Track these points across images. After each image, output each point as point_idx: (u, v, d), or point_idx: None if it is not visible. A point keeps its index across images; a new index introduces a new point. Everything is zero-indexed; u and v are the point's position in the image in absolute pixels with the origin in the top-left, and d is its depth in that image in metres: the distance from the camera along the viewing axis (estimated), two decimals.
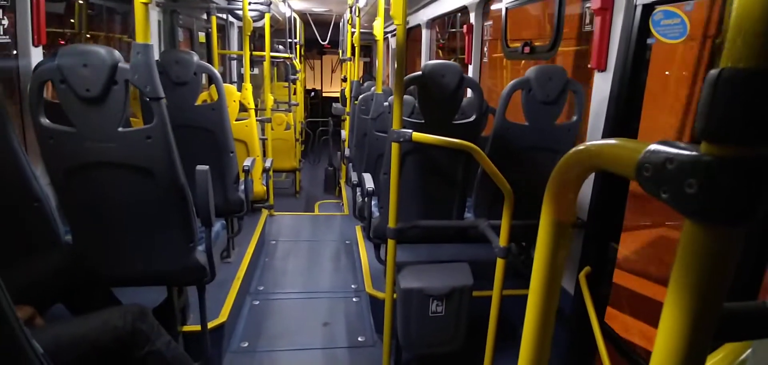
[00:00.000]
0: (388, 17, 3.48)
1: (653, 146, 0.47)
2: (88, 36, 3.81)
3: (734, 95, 0.40)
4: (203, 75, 3.02)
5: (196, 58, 2.89)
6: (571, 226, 2.27)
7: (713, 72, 0.41)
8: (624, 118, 2.13)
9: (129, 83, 1.77)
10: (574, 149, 0.64)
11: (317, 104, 11.50)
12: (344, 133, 5.80)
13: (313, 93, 11.73)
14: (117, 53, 1.78)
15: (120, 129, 1.80)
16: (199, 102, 3.05)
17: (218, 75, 3.00)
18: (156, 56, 3.08)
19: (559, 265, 0.72)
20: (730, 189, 0.41)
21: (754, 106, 0.40)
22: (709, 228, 0.43)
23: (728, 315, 0.47)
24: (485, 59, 4.26)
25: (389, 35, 7.40)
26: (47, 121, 1.79)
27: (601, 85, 2.24)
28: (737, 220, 0.42)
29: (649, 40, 2.00)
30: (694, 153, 0.43)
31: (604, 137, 2.23)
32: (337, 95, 8.98)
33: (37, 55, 2.28)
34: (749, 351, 0.73)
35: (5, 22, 2.18)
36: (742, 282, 1.52)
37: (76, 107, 1.75)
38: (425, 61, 5.40)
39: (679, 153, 0.44)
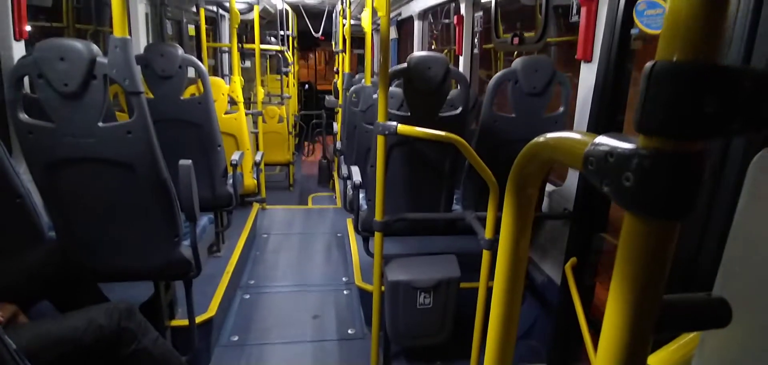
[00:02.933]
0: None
1: (599, 139, 0.47)
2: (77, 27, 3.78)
3: (667, 87, 0.40)
4: (190, 68, 3.00)
5: (181, 51, 2.87)
6: (557, 217, 2.28)
7: (648, 65, 0.41)
8: (609, 108, 2.13)
9: (107, 78, 1.76)
10: (532, 142, 0.64)
11: (311, 97, 11.47)
12: (337, 126, 5.79)
13: (306, 86, 11.69)
14: (95, 47, 1.76)
15: (100, 124, 1.79)
16: (187, 95, 3.03)
17: (204, 68, 2.98)
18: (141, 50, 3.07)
19: (522, 256, 0.72)
20: (664, 183, 0.41)
21: (686, 99, 0.39)
22: (646, 221, 0.43)
23: (670, 307, 0.47)
24: (476, 50, 4.24)
25: (378, 27, 7.36)
26: (26, 116, 1.78)
27: (588, 76, 2.24)
28: (672, 213, 0.42)
29: (632, 31, 1.99)
30: (632, 146, 0.43)
31: (589, 127, 2.23)
32: (331, 87, 8.95)
33: (19, 49, 2.26)
34: (697, 340, 0.74)
35: None
36: (699, 275, 1.53)
37: (54, 102, 1.74)
38: (413, 53, 5.37)
39: (619, 146, 0.44)
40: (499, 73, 2.43)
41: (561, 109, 2.46)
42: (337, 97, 6.43)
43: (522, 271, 0.74)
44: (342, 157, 4.37)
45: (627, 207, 0.43)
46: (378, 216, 2.16)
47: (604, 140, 0.46)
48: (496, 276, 0.74)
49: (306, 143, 8.76)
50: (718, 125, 0.40)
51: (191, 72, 3.07)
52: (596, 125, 2.14)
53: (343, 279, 3.60)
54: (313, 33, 7.51)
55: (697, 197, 0.42)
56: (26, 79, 1.92)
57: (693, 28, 0.40)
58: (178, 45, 2.93)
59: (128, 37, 1.71)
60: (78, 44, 1.72)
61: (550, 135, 0.59)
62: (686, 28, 0.40)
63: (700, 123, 0.40)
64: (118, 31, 1.69)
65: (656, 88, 0.41)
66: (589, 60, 2.23)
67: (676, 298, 0.48)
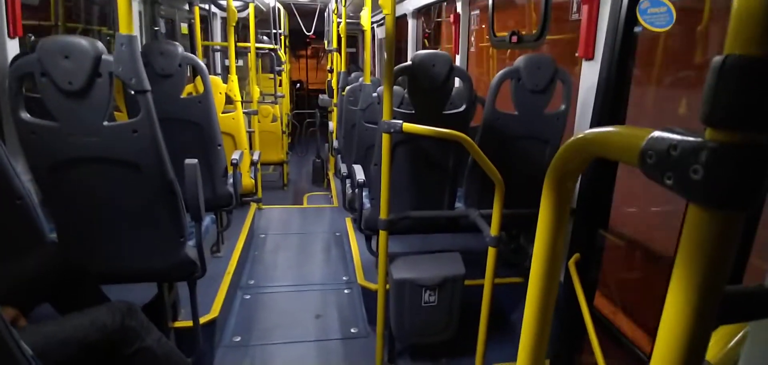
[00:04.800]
0: (375, 7, 3.46)
1: (656, 133, 0.48)
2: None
3: (738, 81, 0.41)
4: (188, 67, 2.96)
5: (181, 49, 2.84)
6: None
7: (717, 58, 0.42)
8: (611, 106, 2.15)
9: (113, 76, 1.73)
10: (573, 138, 0.64)
11: (303, 96, 11.42)
12: (332, 124, 5.77)
13: (298, 85, 11.64)
14: (100, 45, 1.73)
15: (105, 123, 1.76)
16: (184, 94, 3.00)
17: (204, 67, 2.95)
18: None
19: (559, 252, 0.73)
20: (734, 175, 0.42)
21: (757, 92, 0.40)
22: (713, 213, 0.44)
23: (729, 298, 0.48)
24: (472, 49, 4.26)
25: (375, 25, 7.35)
26: (28, 115, 1.74)
27: (589, 74, 2.26)
28: (741, 205, 0.43)
29: (636, 29, 2.02)
30: (698, 139, 0.43)
31: (591, 125, 2.25)
32: (323, 86, 8.92)
33: (13, 47, 2.21)
34: (744, 332, 0.75)
35: None
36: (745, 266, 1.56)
37: (58, 100, 1.71)
38: (412, 51, 5.39)
39: (684, 139, 0.44)
40: (502, 71, 2.44)
41: (562, 106, 2.48)
42: (330, 95, 6.41)
43: (558, 267, 0.74)
44: (339, 156, 4.36)
45: (695, 200, 0.44)
46: (383, 214, 2.16)
47: (665, 134, 0.47)
48: (532, 270, 0.75)
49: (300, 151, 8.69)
50: None
51: (189, 70, 3.04)
52: (600, 123, 2.17)
53: (344, 277, 3.60)
54: (304, 31, 7.48)
55: (763, 189, 0.43)
56: None
57: (762, 22, 0.40)
58: (177, 43, 2.90)
59: (135, 34, 1.68)
60: (83, 42, 1.70)
61: (596, 130, 0.60)
62: (756, 21, 0.41)
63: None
64: (124, 28, 1.66)
65: (727, 82, 0.42)
66: (590, 58, 2.25)
67: (735, 289, 0.49)
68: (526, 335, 0.79)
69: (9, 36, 2.20)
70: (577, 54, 2.36)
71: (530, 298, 0.77)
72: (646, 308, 2.50)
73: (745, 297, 0.51)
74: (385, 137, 2.08)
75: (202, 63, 2.98)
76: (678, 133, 0.46)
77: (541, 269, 0.74)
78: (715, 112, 0.42)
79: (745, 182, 0.42)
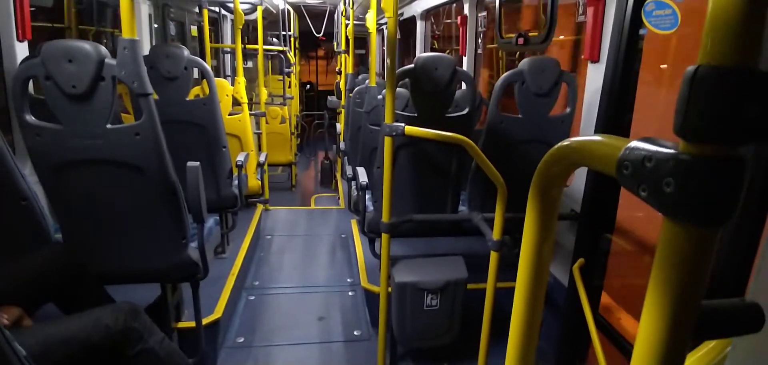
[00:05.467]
0: (380, 9, 3.45)
1: (633, 143, 0.47)
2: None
3: (710, 92, 0.39)
4: (194, 70, 2.99)
5: (186, 52, 2.87)
6: (564, 218, 2.26)
7: (690, 69, 0.41)
8: (616, 109, 2.12)
9: (116, 79, 1.75)
10: (558, 145, 0.64)
11: (313, 98, 11.46)
12: (340, 126, 5.78)
13: (308, 86, 11.69)
14: (103, 49, 1.75)
15: (108, 126, 1.78)
16: (191, 97, 3.03)
17: (209, 69, 2.97)
18: (147, 51, 3.06)
19: (545, 259, 0.72)
20: (706, 189, 0.40)
21: (729, 104, 0.39)
22: (686, 227, 0.43)
23: (708, 313, 0.47)
24: (479, 50, 4.24)
25: (383, 27, 7.35)
26: (33, 118, 1.77)
27: (594, 77, 2.23)
28: (713, 219, 0.41)
29: (641, 31, 1.99)
30: (672, 151, 0.42)
31: (596, 129, 2.23)
32: (333, 88, 8.95)
33: (22, 50, 2.25)
34: (730, 348, 0.73)
35: None
36: (730, 280, 1.52)
37: (62, 103, 1.73)
38: (420, 53, 5.38)
39: (658, 151, 0.43)
40: (506, 74, 2.42)
41: (567, 109, 2.45)
42: (339, 97, 6.43)
43: (545, 273, 0.73)
44: (346, 158, 4.36)
45: (667, 213, 0.43)
46: (385, 217, 2.16)
47: (640, 145, 0.46)
48: (519, 278, 0.74)
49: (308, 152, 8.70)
50: (759, 130, 0.40)
51: (195, 73, 3.06)
52: (604, 126, 2.14)
53: (348, 280, 3.60)
54: (314, 33, 7.51)
55: (738, 203, 0.41)
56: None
57: (735, 32, 0.39)
58: (183, 46, 2.93)
59: (137, 38, 1.70)
60: (86, 45, 1.72)
61: (576, 139, 0.59)
62: (728, 31, 0.39)
63: (742, 128, 0.40)
64: (126, 32, 1.68)
65: (699, 93, 0.40)
66: (596, 60, 2.23)
67: (712, 304, 0.48)
68: (513, 341, 0.78)
69: (18, 39, 2.24)
70: (582, 56, 2.34)
71: (517, 305, 0.76)
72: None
73: (725, 312, 0.50)
74: (388, 140, 2.07)
75: (207, 66, 3.00)
76: (655, 144, 0.45)
77: (528, 276, 0.73)
78: (687, 123, 0.41)
79: (717, 196, 0.40)
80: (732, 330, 0.52)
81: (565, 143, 0.61)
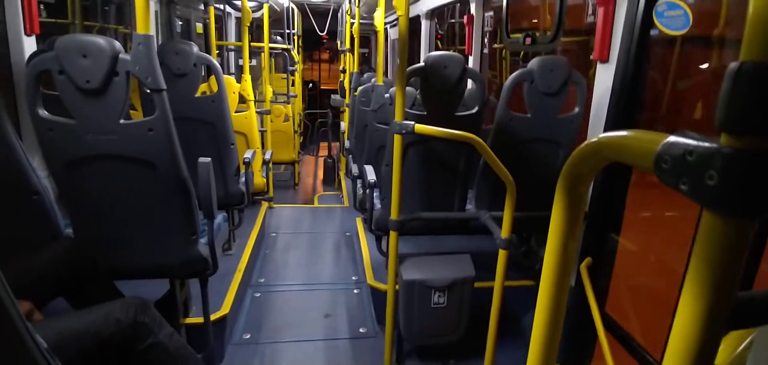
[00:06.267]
0: (389, 8, 3.46)
1: (672, 138, 0.47)
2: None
3: (753, 87, 0.40)
4: (203, 66, 3.00)
5: (195, 49, 2.87)
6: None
7: (733, 65, 0.42)
8: (626, 109, 2.13)
9: (130, 75, 1.76)
10: (587, 141, 0.64)
11: (315, 96, 11.47)
12: (343, 124, 5.79)
13: (311, 85, 11.69)
14: (117, 44, 1.76)
15: (121, 121, 1.79)
16: (198, 94, 3.04)
17: (218, 66, 2.98)
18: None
19: (570, 256, 0.73)
20: (748, 181, 0.41)
21: None
22: (728, 219, 0.44)
23: (739, 304, 0.48)
24: (485, 50, 4.24)
25: (388, 26, 7.36)
26: (46, 112, 1.78)
27: (604, 77, 2.24)
28: (755, 212, 0.42)
29: (652, 32, 1.99)
30: (714, 145, 0.43)
31: (605, 129, 2.23)
32: (335, 87, 8.95)
33: (30, 44, 2.25)
34: (750, 338, 0.74)
35: None
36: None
37: (75, 98, 1.74)
38: (425, 52, 5.38)
39: (699, 145, 0.44)
40: (515, 73, 2.43)
41: (576, 109, 2.46)
42: (343, 96, 6.44)
43: (569, 270, 0.74)
44: (350, 156, 4.37)
45: (709, 206, 0.44)
46: (394, 215, 2.16)
47: (680, 139, 0.46)
48: (544, 273, 0.75)
49: (310, 152, 8.70)
50: None
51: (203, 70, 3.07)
52: (614, 127, 2.15)
53: (353, 277, 3.61)
54: (318, 32, 7.51)
55: None
56: None
57: None
58: (192, 43, 2.93)
59: (151, 34, 1.71)
60: (100, 40, 1.72)
61: (610, 134, 0.60)
62: None
63: None
64: (141, 28, 1.69)
65: (742, 88, 0.41)
66: (605, 60, 2.23)
67: (746, 295, 0.49)
68: (536, 339, 0.79)
69: (26, 34, 2.24)
70: (592, 56, 2.34)
71: (541, 302, 0.76)
72: (659, 314, 2.47)
73: (755, 303, 0.51)
74: (397, 138, 2.08)
75: (216, 63, 3.01)
76: (694, 138, 0.45)
77: (553, 273, 0.74)
78: (730, 118, 0.42)
79: (758, 189, 0.41)
80: (761, 320, 0.53)
81: (596, 138, 0.62)
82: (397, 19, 2.01)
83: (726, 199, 0.42)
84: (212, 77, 3.26)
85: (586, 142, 0.64)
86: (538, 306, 0.77)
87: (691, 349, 0.48)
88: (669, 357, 0.50)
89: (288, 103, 6.52)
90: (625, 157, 0.56)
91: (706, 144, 0.43)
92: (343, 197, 5.88)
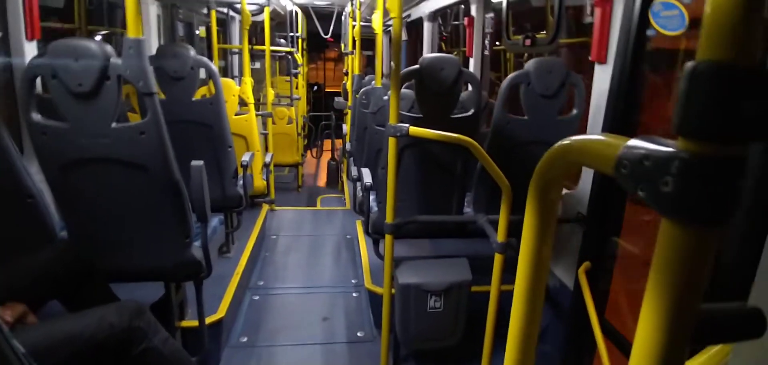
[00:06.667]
0: (387, 10, 3.44)
1: (632, 142, 0.46)
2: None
3: (709, 89, 0.38)
4: (201, 70, 3.01)
5: (192, 52, 2.88)
6: (570, 221, 2.23)
7: (689, 65, 0.40)
8: (624, 111, 2.09)
9: (121, 78, 1.76)
10: (557, 144, 0.62)
11: (319, 99, 11.49)
12: (346, 127, 5.78)
13: (315, 87, 11.72)
14: (109, 48, 1.76)
15: (113, 125, 1.79)
16: (198, 97, 3.04)
17: (215, 69, 2.99)
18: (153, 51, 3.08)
19: (544, 261, 0.71)
20: (705, 188, 0.39)
21: (729, 101, 0.38)
22: (685, 228, 0.41)
23: (707, 317, 0.46)
24: (486, 52, 4.22)
25: (389, 28, 7.35)
26: (39, 116, 1.79)
27: (602, 78, 2.21)
28: (713, 219, 0.40)
29: (648, 32, 1.96)
30: (670, 149, 0.41)
31: (603, 130, 2.20)
32: (340, 89, 8.96)
33: (31, 49, 2.27)
34: (730, 354, 0.72)
35: None
36: (733, 283, 1.49)
37: (68, 102, 1.75)
38: (426, 55, 5.36)
39: (656, 149, 0.42)
40: (511, 75, 2.41)
41: (575, 111, 2.43)
42: (346, 98, 6.44)
43: (544, 276, 0.72)
44: (351, 158, 4.36)
45: (665, 213, 0.42)
46: (389, 218, 2.15)
47: (639, 143, 0.44)
48: (517, 281, 0.73)
49: (309, 150, 8.71)
50: (760, 127, 0.39)
51: (202, 73, 3.08)
52: (611, 128, 2.11)
53: (353, 281, 3.59)
54: (322, 34, 7.52)
55: (738, 203, 0.40)
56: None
57: (734, 28, 0.38)
58: (190, 46, 2.94)
59: (142, 37, 1.71)
60: (92, 45, 1.73)
61: (575, 138, 0.58)
62: (728, 26, 0.38)
63: (742, 126, 0.39)
64: (132, 31, 1.69)
65: (697, 90, 0.39)
66: (603, 62, 2.20)
67: (712, 308, 0.47)
68: (511, 348, 0.77)
69: (27, 39, 2.26)
70: (590, 58, 2.31)
71: (516, 309, 0.74)
72: None
73: (726, 317, 0.48)
74: (392, 141, 2.07)
75: (213, 66, 3.02)
76: (653, 142, 0.43)
77: (527, 281, 0.72)
78: (686, 121, 0.40)
79: (716, 196, 0.39)
80: (732, 335, 0.51)
81: (564, 142, 0.60)
82: (392, 22, 2.00)
83: (683, 206, 0.40)
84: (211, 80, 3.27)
85: (555, 145, 0.62)
86: (513, 313, 0.75)
87: (653, 361, 0.45)
88: None
89: (291, 105, 6.53)
90: (589, 161, 0.54)
91: (663, 149, 0.41)
92: (345, 199, 5.87)
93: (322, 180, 7.29)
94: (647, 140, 0.44)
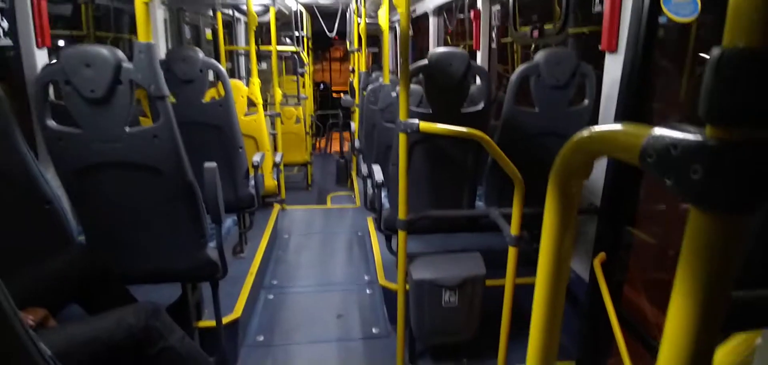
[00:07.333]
0: (393, 6, 3.45)
1: (657, 131, 0.45)
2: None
3: (736, 75, 0.38)
4: (210, 72, 3.02)
5: (201, 55, 2.90)
6: (583, 212, 2.21)
7: (715, 52, 0.39)
8: (635, 100, 2.07)
9: (133, 83, 1.78)
10: (577, 135, 0.62)
11: (327, 97, 11.50)
12: (354, 125, 5.79)
13: (322, 86, 11.73)
14: (120, 53, 1.78)
15: (127, 129, 1.81)
16: (207, 99, 3.06)
17: (224, 71, 3.00)
18: (163, 55, 3.10)
19: (566, 253, 0.71)
20: (735, 175, 0.39)
21: (757, 86, 0.37)
22: (715, 215, 0.41)
23: (738, 304, 0.45)
24: (493, 44, 4.20)
25: (396, 24, 7.33)
26: (54, 123, 1.81)
27: (613, 67, 2.19)
28: (743, 207, 0.40)
29: (660, 19, 1.94)
30: (699, 138, 0.41)
31: (615, 120, 2.18)
32: (346, 87, 8.96)
33: (42, 57, 2.30)
34: (759, 340, 0.71)
35: (5, 24, 2.19)
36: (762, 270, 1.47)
37: (81, 108, 1.77)
38: (434, 49, 5.34)
39: (684, 138, 0.42)
40: (521, 67, 2.39)
41: (586, 102, 2.41)
42: (353, 96, 6.44)
43: (566, 267, 0.72)
44: (361, 156, 4.37)
45: (694, 202, 0.41)
46: (401, 214, 2.15)
47: (665, 132, 0.44)
48: (539, 272, 0.73)
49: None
50: None
51: (210, 75, 3.10)
52: (624, 118, 2.10)
53: (366, 277, 3.60)
54: (327, 33, 7.52)
55: (767, 189, 0.40)
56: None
57: (759, 14, 0.38)
58: (198, 49, 2.96)
59: (153, 42, 1.72)
60: (104, 50, 1.75)
61: (597, 128, 0.58)
62: (753, 11, 0.38)
63: None
64: (142, 36, 1.71)
65: (724, 77, 0.39)
66: (614, 50, 2.18)
67: (745, 295, 0.46)
68: (534, 339, 0.77)
69: (37, 47, 2.29)
70: (600, 47, 2.29)
71: (537, 301, 0.74)
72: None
73: (756, 304, 0.48)
74: (402, 137, 2.07)
75: (222, 68, 3.03)
76: (679, 130, 0.43)
77: (548, 273, 0.72)
78: (713, 108, 0.40)
79: (746, 183, 0.39)
80: (764, 321, 0.51)
81: (584, 132, 0.60)
82: (400, 17, 2.00)
83: (712, 194, 0.40)
84: (220, 82, 3.29)
85: (575, 135, 0.62)
86: (535, 304, 0.75)
87: (684, 353, 0.45)
88: (662, 360, 0.48)
89: (299, 105, 6.55)
90: (612, 151, 0.54)
91: (691, 137, 0.41)
92: (355, 197, 5.88)
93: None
94: (673, 128, 0.44)
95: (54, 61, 1.82)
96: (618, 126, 0.53)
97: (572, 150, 0.62)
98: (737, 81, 0.38)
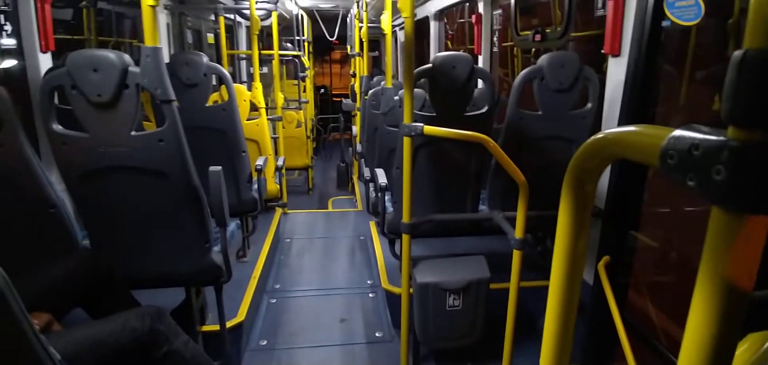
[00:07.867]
0: (395, 10, 3.47)
1: (678, 132, 0.46)
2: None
3: (759, 76, 0.38)
4: (213, 76, 3.03)
5: (205, 59, 2.91)
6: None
7: (737, 53, 0.40)
8: (639, 103, 2.08)
9: (140, 87, 1.78)
10: (592, 138, 0.62)
11: (327, 101, 11.52)
12: (355, 129, 5.80)
13: (322, 90, 11.76)
14: (127, 57, 1.78)
15: (133, 133, 1.81)
16: (210, 103, 3.07)
17: (228, 75, 3.01)
18: (166, 59, 3.11)
19: (580, 256, 0.71)
20: (759, 174, 0.39)
21: None
22: (738, 216, 0.41)
23: (758, 304, 0.46)
24: (495, 48, 4.21)
25: (397, 28, 7.36)
26: (60, 127, 1.81)
27: (616, 71, 2.20)
28: (766, 207, 0.40)
29: (663, 23, 1.95)
30: (721, 138, 0.41)
31: (619, 123, 2.19)
32: (347, 91, 8.97)
33: (45, 61, 2.30)
34: None
35: (8, 27, 2.20)
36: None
37: (87, 112, 1.77)
38: (434, 53, 5.36)
39: (706, 139, 0.42)
40: (525, 71, 2.40)
41: (589, 105, 2.42)
42: (353, 100, 6.45)
43: (580, 270, 0.72)
44: (363, 160, 4.37)
45: (717, 202, 0.42)
46: (405, 218, 2.15)
47: (686, 133, 0.45)
48: (553, 275, 0.73)
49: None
50: None
51: (213, 79, 3.10)
52: (627, 121, 2.10)
53: (368, 281, 3.60)
54: (327, 37, 7.55)
55: None
56: None
57: None
58: (202, 53, 2.97)
59: (159, 46, 1.73)
60: (110, 54, 1.75)
61: (615, 130, 0.58)
62: None
63: None
64: (149, 40, 1.71)
65: (748, 77, 0.39)
66: (617, 54, 2.19)
67: (758, 295, 0.47)
68: (547, 342, 0.77)
69: (41, 51, 2.29)
70: (603, 51, 2.30)
71: (551, 304, 0.75)
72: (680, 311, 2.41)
73: None
74: (406, 140, 2.07)
75: (226, 72, 3.04)
76: (700, 131, 0.43)
77: (562, 275, 0.72)
78: (736, 109, 0.40)
79: None
80: None
81: (601, 135, 0.60)
82: (404, 21, 2.00)
83: (735, 194, 0.40)
84: (223, 86, 3.29)
85: (591, 138, 0.62)
86: (549, 309, 0.75)
87: (706, 351, 0.46)
88: (683, 359, 0.48)
89: (300, 109, 6.56)
90: (630, 153, 0.54)
91: (713, 138, 0.42)
92: (356, 201, 5.88)
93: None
94: (693, 129, 0.44)
95: (59, 64, 1.83)
96: (637, 127, 0.54)
97: (588, 152, 0.63)
98: (759, 82, 0.39)
